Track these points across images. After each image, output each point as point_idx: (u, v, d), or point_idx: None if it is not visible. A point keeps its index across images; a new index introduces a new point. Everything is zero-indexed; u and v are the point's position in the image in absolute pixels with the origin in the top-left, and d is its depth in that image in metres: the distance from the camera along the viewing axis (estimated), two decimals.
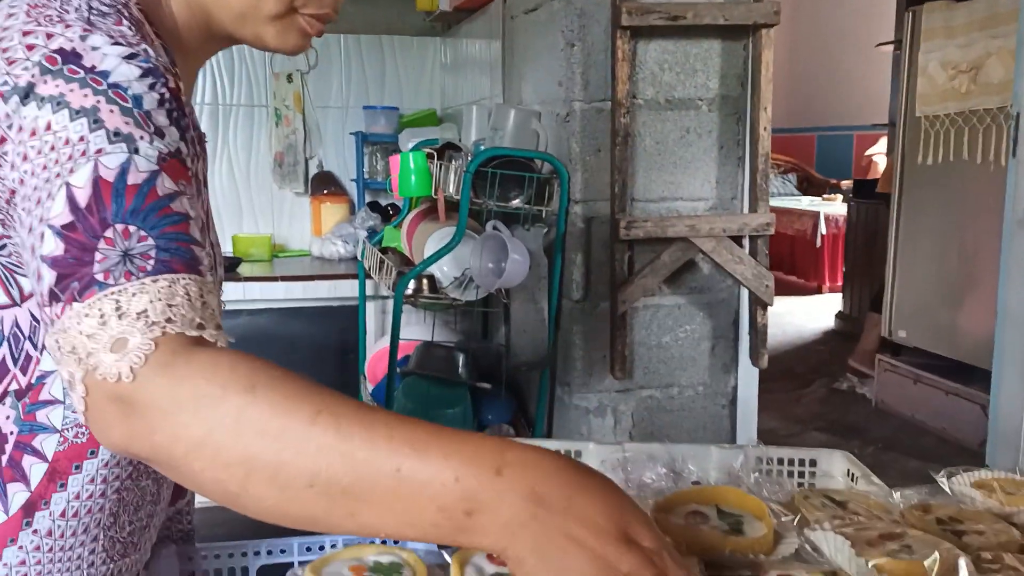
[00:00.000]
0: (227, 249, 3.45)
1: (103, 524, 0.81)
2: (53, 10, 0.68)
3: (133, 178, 0.63)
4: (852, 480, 1.28)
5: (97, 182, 0.62)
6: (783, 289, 4.24)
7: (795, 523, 0.83)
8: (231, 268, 3.10)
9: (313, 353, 3.02)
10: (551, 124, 2.38)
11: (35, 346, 0.73)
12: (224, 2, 0.81)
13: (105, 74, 0.65)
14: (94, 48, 0.66)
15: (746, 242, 2.32)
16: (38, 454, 0.75)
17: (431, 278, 2.53)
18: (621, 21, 2.12)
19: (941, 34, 3.54)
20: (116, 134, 0.64)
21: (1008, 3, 3.14)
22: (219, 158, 3.54)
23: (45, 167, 0.63)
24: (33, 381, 0.75)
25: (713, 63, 2.26)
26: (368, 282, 3.04)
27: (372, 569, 0.79)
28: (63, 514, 0.77)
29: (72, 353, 0.60)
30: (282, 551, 1.20)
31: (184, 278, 0.62)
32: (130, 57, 0.67)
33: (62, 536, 0.78)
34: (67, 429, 0.76)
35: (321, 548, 1.17)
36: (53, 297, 0.62)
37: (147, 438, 0.60)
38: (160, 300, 0.60)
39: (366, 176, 3.56)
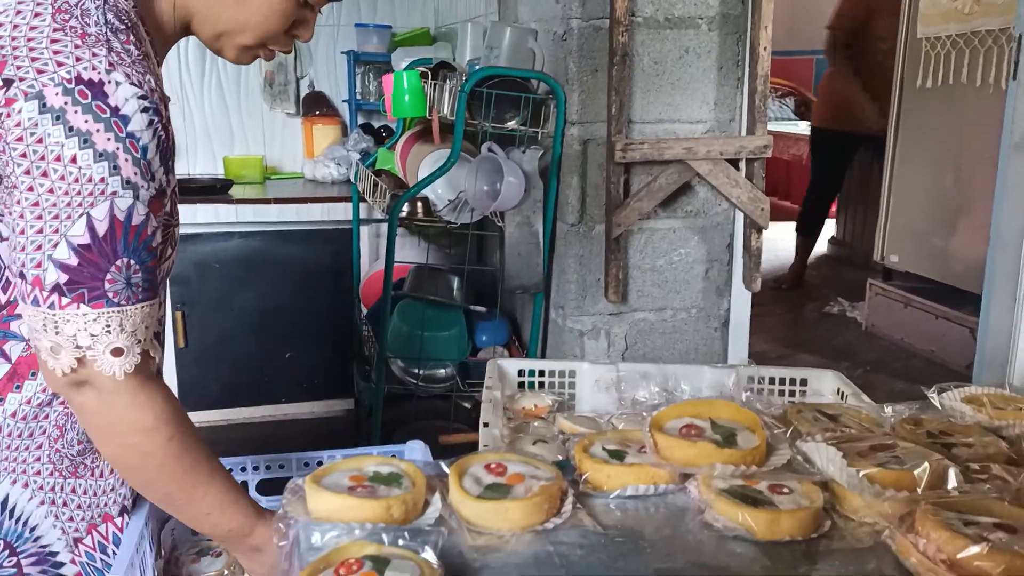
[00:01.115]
0: (218, 171, 3.41)
1: (49, 434, 0.96)
2: (75, 19, 0.83)
3: (135, 220, 0.84)
4: (842, 398, 1.30)
5: (113, 219, 0.83)
6: (778, 214, 4.21)
7: (787, 435, 0.85)
8: (223, 190, 3.08)
9: (307, 276, 3.02)
10: (548, 43, 2.33)
11: (14, 274, 0.89)
12: (210, 21, 0.96)
13: (125, 120, 0.82)
14: (117, 84, 0.82)
15: (743, 165, 2.31)
16: (4, 355, 0.94)
17: (425, 201, 2.51)
18: None
19: None
20: (128, 182, 0.83)
21: None
22: (208, 78, 3.47)
23: (67, 192, 0.81)
24: (11, 299, 0.93)
25: None
26: (362, 205, 3.02)
27: (372, 479, 0.81)
28: (14, 415, 0.94)
29: (71, 339, 0.84)
30: (280, 466, 1.22)
31: (150, 304, 0.88)
32: (141, 98, 0.83)
33: (10, 435, 0.94)
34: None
35: (319, 463, 1.19)
36: (57, 291, 0.83)
37: (90, 416, 0.90)
38: (143, 323, 0.87)
39: (358, 97, 3.50)
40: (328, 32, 3.54)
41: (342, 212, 3.03)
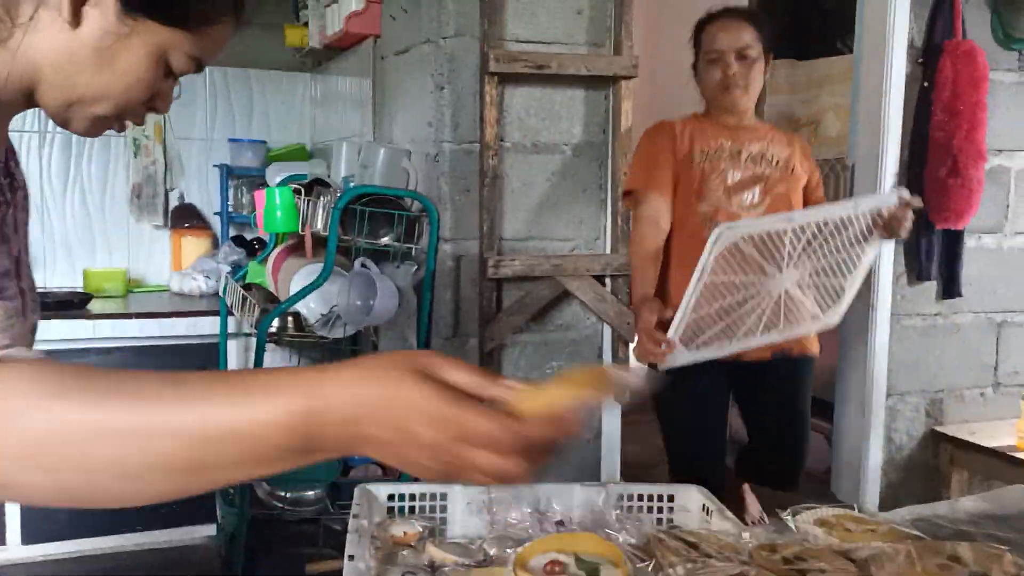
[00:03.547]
0: (77, 284, 3.26)
1: None
2: None
3: None
4: (707, 514, 1.33)
5: None
6: None
7: (650, 568, 0.86)
8: (80, 305, 2.93)
9: None
10: (421, 163, 2.39)
11: None
12: (60, 88, 0.81)
13: None
14: None
15: (608, 281, 2.40)
16: None
17: (297, 316, 2.47)
18: (489, 67, 2.17)
19: (785, 90, 3.80)
20: None
21: (843, 65, 3.42)
22: (71, 188, 3.35)
23: None
24: None
25: (577, 110, 2.34)
26: (231, 318, 2.94)
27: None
28: None
29: None
30: None
31: None
32: None
33: None
34: None
35: None
36: None
37: None
38: None
39: (231, 210, 3.45)
40: (201, 145, 3.50)
41: (209, 326, 2.94)
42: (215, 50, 0.87)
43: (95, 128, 0.86)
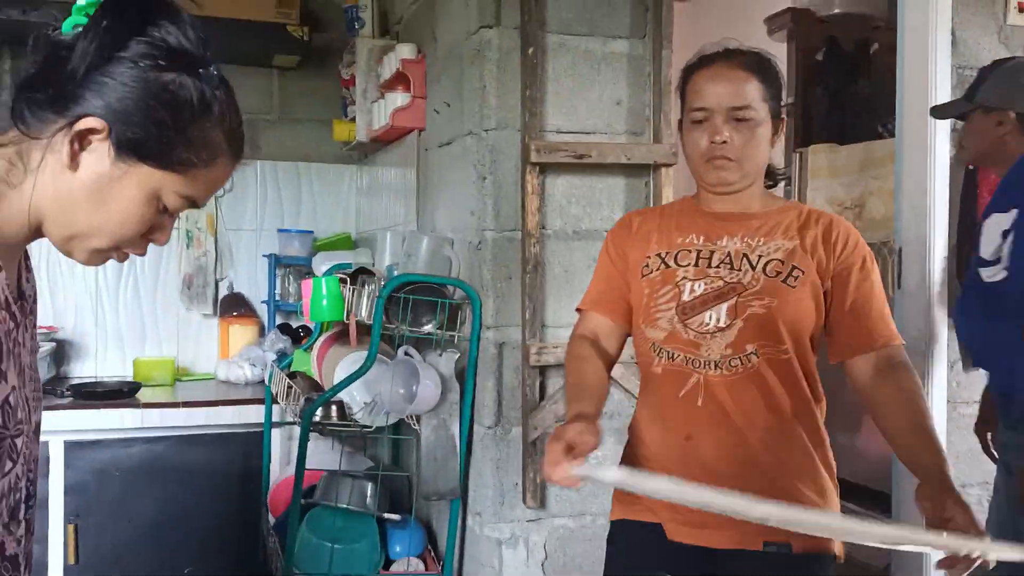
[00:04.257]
0: (127, 373, 3.32)
1: None
2: None
3: None
4: None
5: None
6: None
7: None
8: (130, 394, 2.98)
9: (213, 483, 2.88)
10: (463, 251, 2.42)
11: None
12: (62, 224, 0.89)
13: None
14: None
15: None
16: None
17: (340, 404, 2.48)
18: (530, 158, 2.21)
19: (826, 173, 3.80)
20: None
21: (884, 148, 3.41)
22: (125, 280, 3.45)
23: None
24: None
25: (617, 197, 2.37)
26: (275, 407, 2.95)
27: None
28: None
29: None
30: None
31: None
32: None
33: None
34: None
35: None
36: None
37: None
38: None
39: (278, 298, 3.51)
40: (251, 236, 3.60)
41: (254, 415, 2.95)
42: (209, 191, 0.94)
43: (95, 259, 0.93)
